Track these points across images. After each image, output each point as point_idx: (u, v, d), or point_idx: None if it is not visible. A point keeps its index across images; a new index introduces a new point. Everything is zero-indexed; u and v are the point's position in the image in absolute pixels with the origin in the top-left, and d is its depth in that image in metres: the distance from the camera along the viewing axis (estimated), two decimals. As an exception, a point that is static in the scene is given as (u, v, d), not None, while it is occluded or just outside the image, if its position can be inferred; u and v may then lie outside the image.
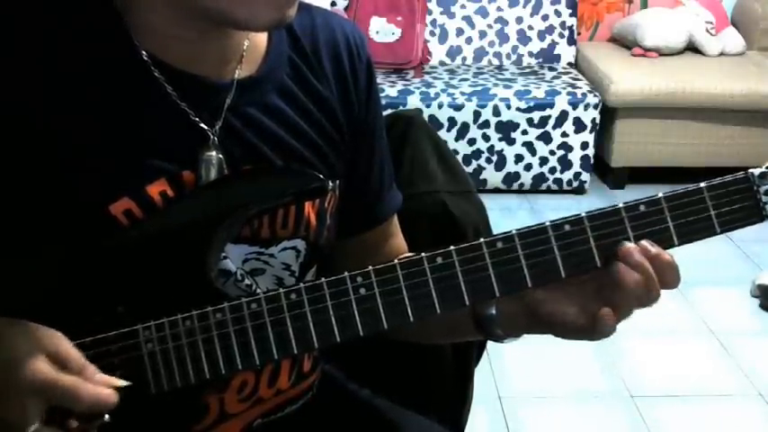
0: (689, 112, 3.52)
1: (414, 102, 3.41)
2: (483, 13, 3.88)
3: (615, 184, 3.69)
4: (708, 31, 3.84)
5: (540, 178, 3.57)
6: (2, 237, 0.79)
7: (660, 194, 0.78)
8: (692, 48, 3.86)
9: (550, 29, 3.90)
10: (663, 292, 0.79)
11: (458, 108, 3.44)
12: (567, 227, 0.78)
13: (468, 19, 3.88)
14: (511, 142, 3.50)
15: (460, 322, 0.89)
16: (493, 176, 3.55)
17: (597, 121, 3.50)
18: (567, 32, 3.91)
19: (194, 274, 0.80)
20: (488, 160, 3.52)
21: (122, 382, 0.72)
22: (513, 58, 3.91)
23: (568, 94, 3.48)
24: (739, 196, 0.78)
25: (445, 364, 1.22)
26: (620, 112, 3.53)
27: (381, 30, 3.64)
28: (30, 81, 0.78)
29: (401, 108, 3.21)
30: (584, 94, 3.48)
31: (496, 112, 3.45)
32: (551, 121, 3.48)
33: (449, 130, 3.45)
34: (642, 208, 0.78)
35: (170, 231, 0.80)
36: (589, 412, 2.22)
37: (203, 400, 0.88)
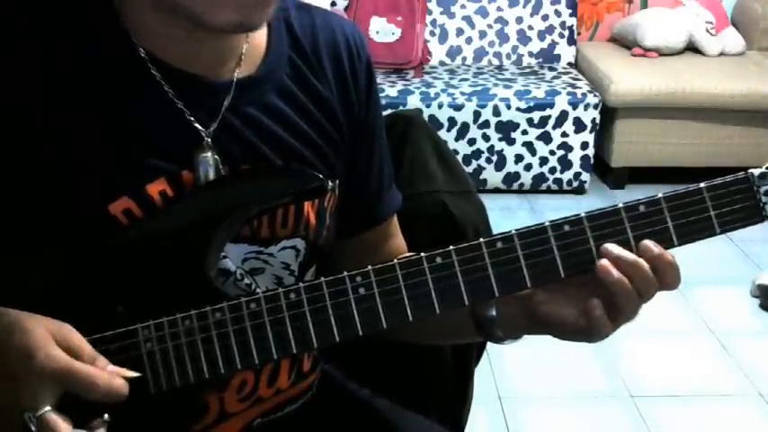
0: (689, 112, 3.52)
1: (414, 102, 3.41)
2: (483, 13, 3.88)
3: (615, 184, 3.69)
4: (708, 31, 3.84)
5: (540, 178, 3.57)
6: (2, 236, 0.79)
7: (660, 195, 0.78)
8: (692, 48, 3.86)
9: (550, 29, 3.90)
10: (663, 292, 0.79)
11: (458, 108, 3.44)
12: (566, 227, 0.78)
13: (468, 19, 3.88)
14: (511, 142, 3.50)
15: (460, 323, 0.89)
16: (493, 176, 3.55)
17: (597, 121, 3.50)
18: (567, 32, 3.91)
19: (194, 273, 0.80)
20: (488, 160, 3.52)
21: (133, 374, 0.73)
22: (513, 58, 3.91)
23: (568, 94, 3.48)
24: (739, 196, 0.78)
25: (445, 364, 1.22)
26: (620, 112, 3.53)
27: (381, 30, 3.64)
28: (29, 81, 0.78)
29: (401, 108, 3.20)
30: (584, 94, 3.48)
31: (496, 112, 3.45)
32: (551, 121, 3.48)
33: (449, 130, 3.45)
34: (642, 208, 0.78)
35: (169, 231, 0.80)
36: (589, 412, 2.21)
37: (203, 400, 0.88)
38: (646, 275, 0.77)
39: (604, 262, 0.77)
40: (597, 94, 3.51)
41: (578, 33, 4.02)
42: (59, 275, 0.79)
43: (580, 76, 3.72)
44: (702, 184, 0.78)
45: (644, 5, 4.08)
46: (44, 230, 0.79)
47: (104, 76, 0.80)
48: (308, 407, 1.00)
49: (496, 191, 3.56)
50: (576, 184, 3.59)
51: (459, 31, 3.88)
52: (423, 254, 0.78)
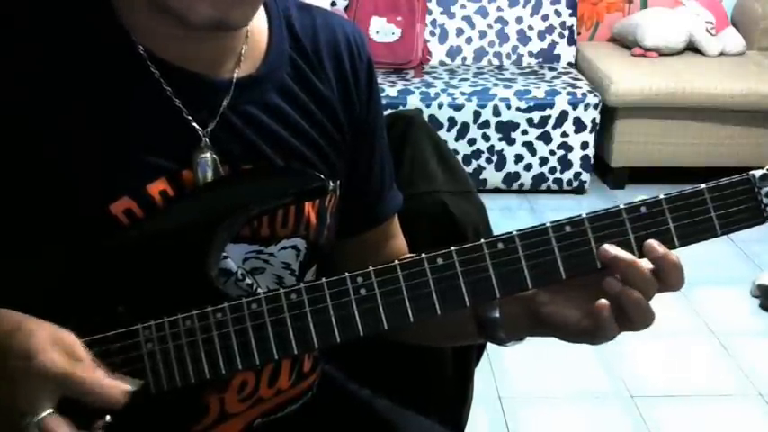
0: (689, 112, 3.52)
1: (414, 102, 3.41)
2: (483, 13, 3.88)
3: (615, 184, 3.69)
4: (708, 31, 3.84)
5: (540, 178, 3.57)
6: (2, 237, 0.79)
7: (661, 196, 0.78)
8: (692, 48, 3.86)
9: (550, 29, 3.90)
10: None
11: (458, 108, 3.44)
12: (567, 228, 0.78)
13: (468, 19, 3.88)
14: (511, 142, 3.50)
15: (462, 325, 0.89)
16: (493, 176, 3.55)
17: (597, 121, 3.50)
18: (567, 32, 3.92)
19: (195, 273, 0.80)
20: (488, 160, 3.52)
21: (130, 387, 0.72)
22: (513, 58, 3.91)
23: (568, 94, 3.48)
24: (741, 198, 0.78)
25: (445, 365, 1.22)
26: (620, 112, 3.53)
27: (381, 30, 3.64)
28: (28, 80, 0.78)
29: (401, 108, 3.21)
30: (584, 94, 3.48)
31: (496, 112, 3.45)
32: (551, 121, 3.48)
33: (449, 130, 3.45)
34: (643, 209, 0.78)
35: (170, 231, 0.80)
36: (589, 412, 2.22)
37: (203, 400, 0.88)
38: (644, 276, 0.77)
39: (609, 279, 0.77)
40: (597, 94, 3.51)
41: (578, 33, 4.02)
42: (60, 275, 0.79)
43: (580, 76, 3.72)
44: (704, 186, 0.78)
45: (644, 5, 4.08)
46: (45, 230, 0.79)
47: (104, 75, 0.80)
48: (309, 407, 1.00)
49: (496, 191, 3.56)
50: (575, 184, 3.59)
51: (459, 31, 3.88)
52: (424, 254, 0.78)
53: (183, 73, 0.82)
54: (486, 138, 3.49)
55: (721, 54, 3.85)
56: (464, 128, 3.46)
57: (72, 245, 0.79)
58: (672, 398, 2.26)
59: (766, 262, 3.01)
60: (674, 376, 2.36)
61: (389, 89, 3.45)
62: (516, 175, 3.56)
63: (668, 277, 0.77)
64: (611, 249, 0.77)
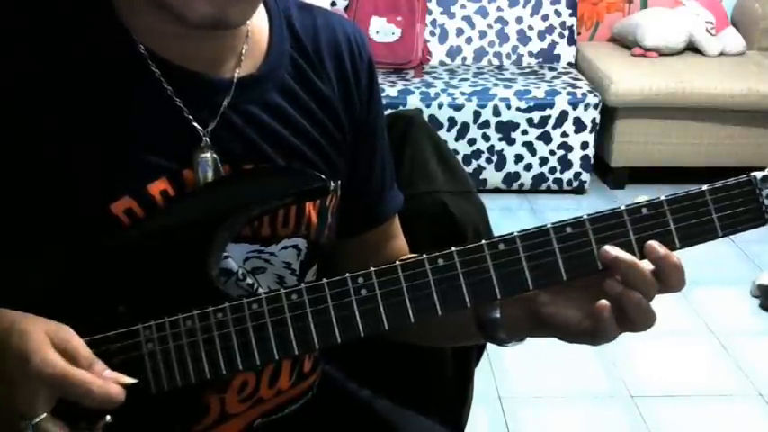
0: (689, 112, 3.52)
1: (414, 102, 3.41)
2: (483, 13, 3.88)
3: (615, 184, 3.69)
4: (708, 31, 3.84)
5: (540, 178, 3.57)
6: (3, 236, 0.79)
7: (662, 197, 0.78)
8: (692, 48, 3.86)
9: (550, 29, 3.90)
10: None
11: (458, 108, 3.44)
12: (568, 229, 0.78)
13: (468, 19, 3.88)
14: (511, 142, 3.50)
15: (463, 325, 0.88)
16: (493, 176, 3.55)
17: (597, 121, 3.50)
18: (567, 32, 3.92)
19: (195, 273, 0.80)
20: (488, 160, 3.52)
21: (130, 380, 0.72)
22: (513, 58, 3.91)
23: (568, 94, 3.48)
24: (742, 199, 0.78)
25: (445, 365, 1.22)
26: (620, 112, 3.53)
27: (381, 30, 3.64)
28: (28, 80, 0.78)
29: (401, 108, 3.21)
30: (584, 94, 3.48)
31: (496, 112, 3.45)
32: (551, 121, 3.48)
33: (449, 130, 3.45)
34: (644, 211, 0.78)
35: (171, 231, 0.80)
36: (589, 412, 2.22)
37: (204, 401, 0.88)
38: (645, 277, 0.77)
39: (609, 281, 0.77)
40: (597, 94, 3.51)
41: (578, 33, 4.02)
42: (61, 275, 0.79)
43: (580, 76, 3.72)
44: (705, 187, 0.78)
45: (644, 5, 4.08)
46: (45, 230, 0.79)
47: (104, 74, 0.80)
48: (309, 407, 1.00)
49: (496, 191, 3.56)
50: (576, 184, 3.59)
51: (459, 31, 3.88)
52: (425, 255, 0.78)
53: (183, 72, 0.82)
54: (486, 138, 3.49)
55: (721, 54, 3.85)
56: (464, 128, 3.46)
57: (73, 245, 0.79)
58: (672, 398, 2.26)
59: (766, 262, 3.01)
60: (674, 376, 2.36)
61: (389, 89, 3.45)
62: (516, 175, 3.56)
63: (669, 278, 0.77)
64: (612, 250, 0.77)
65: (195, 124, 0.82)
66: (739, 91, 3.47)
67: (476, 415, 1.40)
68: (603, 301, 0.77)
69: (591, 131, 3.51)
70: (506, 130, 3.48)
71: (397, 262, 0.78)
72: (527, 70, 3.81)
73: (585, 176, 3.58)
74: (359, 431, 1.05)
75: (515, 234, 0.78)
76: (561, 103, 3.46)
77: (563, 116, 3.47)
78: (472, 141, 3.49)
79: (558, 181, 3.58)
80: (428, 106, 3.41)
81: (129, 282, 0.79)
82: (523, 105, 3.45)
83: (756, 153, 3.54)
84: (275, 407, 0.95)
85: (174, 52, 0.81)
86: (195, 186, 0.82)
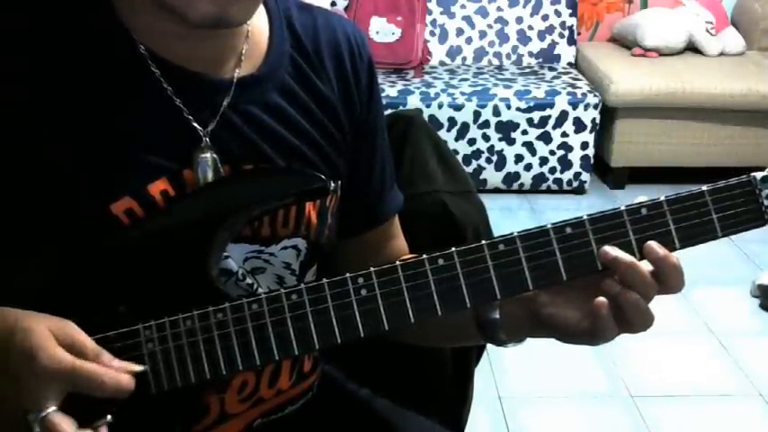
0: (689, 112, 3.52)
1: (414, 102, 3.41)
2: (483, 13, 3.88)
3: (615, 184, 3.69)
4: (708, 31, 3.84)
5: (540, 178, 3.57)
6: (3, 236, 0.79)
7: (662, 197, 0.78)
8: (692, 48, 3.86)
9: (550, 29, 3.90)
10: (663, 292, 0.79)
11: (458, 108, 3.44)
12: (568, 229, 0.78)
13: (468, 19, 3.88)
14: (511, 142, 3.50)
15: (462, 326, 0.88)
16: (493, 176, 3.55)
17: (597, 121, 3.50)
18: (567, 32, 3.92)
19: (195, 273, 0.80)
20: (488, 160, 3.52)
21: (138, 368, 0.73)
22: (513, 58, 3.91)
23: (568, 94, 3.48)
24: (741, 200, 0.78)
25: (445, 365, 1.22)
26: (620, 112, 3.53)
27: (381, 30, 3.64)
28: (28, 80, 0.78)
29: (401, 108, 3.20)
30: (584, 94, 3.48)
31: (496, 112, 3.45)
32: (551, 121, 3.48)
33: (449, 130, 3.45)
34: (644, 211, 0.78)
35: (171, 231, 0.80)
36: (589, 412, 2.22)
37: (203, 401, 0.88)
38: (644, 278, 0.77)
39: (608, 280, 0.77)
40: (597, 94, 3.51)
41: (578, 33, 4.02)
42: (61, 275, 0.79)
43: (580, 76, 3.72)
44: (705, 187, 0.78)
45: (644, 5, 4.08)
46: (45, 230, 0.79)
47: (104, 74, 0.80)
48: (309, 407, 1.00)
49: (496, 191, 3.57)
50: (576, 184, 3.59)
51: (459, 31, 3.88)
52: (425, 255, 0.78)
53: (183, 72, 0.82)
54: (486, 138, 3.49)
55: (721, 54, 3.85)
56: (464, 128, 3.46)
57: (73, 245, 0.79)
58: (672, 398, 2.27)
59: (766, 262, 3.01)
60: (673, 376, 2.36)
61: (389, 89, 3.45)
62: (516, 175, 3.56)
63: (668, 279, 0.77)
64: (612, 251, 0.77)
65: (195, 124, 0.82)
66: (739, 91, 3.47)
67: (476, 415, 1.40)
68: (601, 298, 0.77)
69: (591, 131, 3.51)
70: (506, 130, 3.48)
71: (397, 262, 0.78)
72: (527, 70, 3.81)
73: (585, 176, 3.58)
74: (359, 431, 1.05)
75: (515, 234, 0.78)
76: (561, 103, 3.46)
77: (563, 116, 3.47)
78: (472, 141, 3.49)
79: (558, 181, 3.58)
80: (428, 106, 3.41)
81: (129, 282, 0.79)
82: (523, 105, 3.45)
83: (756, 153, 3.54)
84: (275, 407, 0.95)
85: (175, 52, 0.81)
86: (195, 186, 0.82)
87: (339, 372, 1.11)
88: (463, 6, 3.87)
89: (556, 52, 3.92)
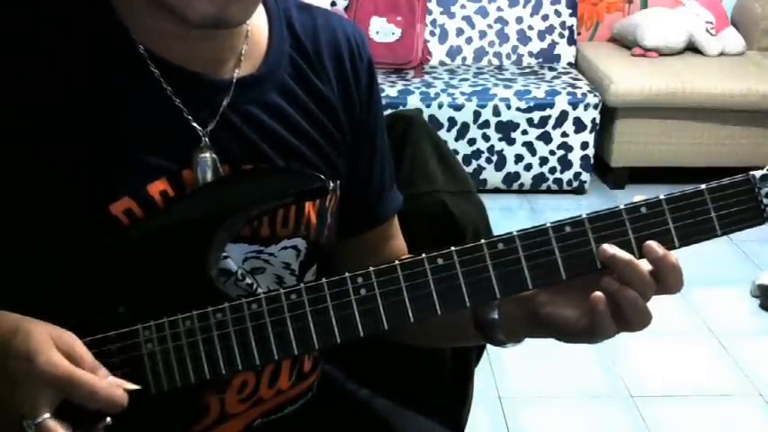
0: (689, 112, 3.52)
1: (414, 102, 3.41)
2: (483, 13, 3.88)
3: (615, 184, 3.69)
4: (708, 31, 3.84)
5: (540, 178, 3.57)
6: (3, 236, 0.79)
7: (661, 196, 0.78)
8: (692, 48, 3.86)
9: (550, 29, 3.90)
10: (663, 291, 0.79)
11: (458, 108, 3.44)
12: (567, 228, 0.78)
13: (468, 19, 3.88)
14: (511, 142, 3.50)
15: (461, 326, 0.88)
16: (493, 176, 3.55)
17: (597, 121, 3.50)
18: (567, 32, 3.91)
19: (195, 273, 0.80)
20: (488, 160, 3.52)
21: (134, 386, 0.72)
22: (513, 58, 3.91)
23: (568, 94, 3.48)
24: (740, 198, 0.78)
25: (445, 365, 1.22)
26: (620, 112, 3.53)
27: (381, 30, 3.64)
28: (28, 80, 0.78)
29: (401, 108, 3.20)
30: (584, 94, 3.48)
31: (496, 112, 3.45)
32: (551, 121, 3.48)
33: (449, 130, 3.45)
34: (643, 210, 0.78)
35: (171, 231, 0.80)
36: (589, 412, 2.22)
37: (203, 401, 0.88)
38: (642, 277, 0.77)
39: (606, 278, 0.77)
40: (597, 94, 3.51)
41: (578, 33, 4.02)
42: (60, 276, 0.79)
43: (580, 76, 3.72)
44: (704, 186, 0.78)
45: (644, 5, 4.08)
46: (45, 230, 0.79)
47: (104, 75, 0.80)
48: (308, 407, 1.00)
49: (496, 191, 3.56)
50: (576, 184, 3.59)
51: (459, 31, 3.88)
52: (424, 255, 0.78)
53: (183, 72, 0.82)
54: (486, 138, 3.49)
55: (721, 54, 3.85)
56: (464, 128, 3.46)
57: (72, 245, 0.79)
58: (671, 398, 2.26)
59: (766, 262, 3.01)
60: (673, 376, 2.36)
61: (389, 89, 3.45)
62: (516, 175, 3.56)
63: (667, 279, 0.77)
64: (610, 248, 0.77)
65: (195, 124, 0.82)
66: (739, 91, 3.47)
67: (476, 415, 1.39)
68: (598, 293, 0.77)
69: (591, 131, 3.51)
70: (506, 130, 3.48)
71: (397, 262, 0.78)
72: (527, 70, 3.81)
73: (585, 176, 3.58)
74: (358, 431, 1.05)
75: (514, 234, 0.78)
76: (561, 103, 3.46)
77: (563, 116, 3.47)
78: (472, 141, 3.49)
79: (558, 181, 3.58)
80: (428, 106, 3.41)
81: (128, 282, 0.79)
82: (523, 105, 3.45)
83: (756, 153, 3.54)
84: (275, 407, 0.95)
85: (174, 52, 0.82)
86: (194, 187, 0.82)
87: (339, 372, 1.11)
88: (463, 6, 3.87)
89: (556, 52, 3.92)
